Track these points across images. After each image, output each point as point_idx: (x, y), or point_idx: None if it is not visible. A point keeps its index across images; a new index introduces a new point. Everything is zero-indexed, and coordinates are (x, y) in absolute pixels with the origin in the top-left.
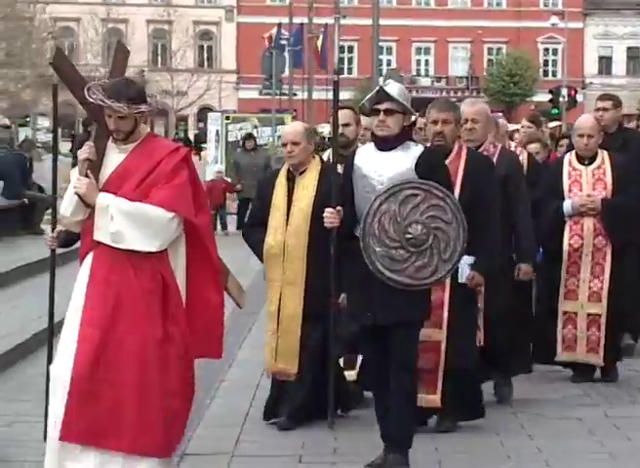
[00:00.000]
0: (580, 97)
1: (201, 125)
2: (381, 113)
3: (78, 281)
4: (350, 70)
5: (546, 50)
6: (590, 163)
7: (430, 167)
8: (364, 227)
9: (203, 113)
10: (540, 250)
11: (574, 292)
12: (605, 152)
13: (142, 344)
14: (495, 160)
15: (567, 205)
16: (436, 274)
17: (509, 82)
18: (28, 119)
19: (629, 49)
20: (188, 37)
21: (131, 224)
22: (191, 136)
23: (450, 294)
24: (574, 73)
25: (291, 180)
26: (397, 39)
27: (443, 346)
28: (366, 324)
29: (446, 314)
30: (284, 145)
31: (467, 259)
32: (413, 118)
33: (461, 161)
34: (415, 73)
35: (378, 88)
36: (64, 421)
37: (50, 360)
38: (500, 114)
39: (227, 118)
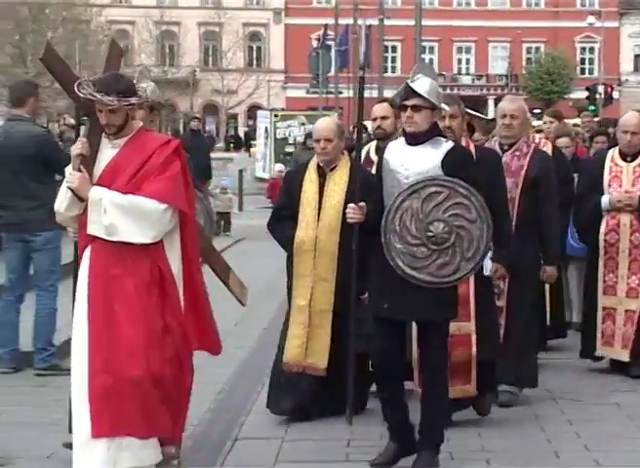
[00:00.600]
0: (615, 95)
1: (250, 122)
2: (409, 109)
3: (80, 276)
4: (394, 69)
5: (583, 48)
6: (633, 160)
7: (457, 163)
8: (385, 223)
9: (252, 111)
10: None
11: (612, 287)
12: None
13: (143, 337)
14: (527, 160)
15: (605, 199)
16: (458, 272)
17: (547, 80)
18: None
19: None
20: (238, 38)
21: (124, 217)
22: (241, 134)
23: (475, 287)
24: (610, 71)
25: (321, 177)
26: (439, 39)
27: (473, 338)
28: (382, 316)
29: (473, 307)
30: (317, 141)
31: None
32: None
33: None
34: (456, 72)
35: (405, 84)
36: (93, 419)
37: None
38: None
39: (276, 116)
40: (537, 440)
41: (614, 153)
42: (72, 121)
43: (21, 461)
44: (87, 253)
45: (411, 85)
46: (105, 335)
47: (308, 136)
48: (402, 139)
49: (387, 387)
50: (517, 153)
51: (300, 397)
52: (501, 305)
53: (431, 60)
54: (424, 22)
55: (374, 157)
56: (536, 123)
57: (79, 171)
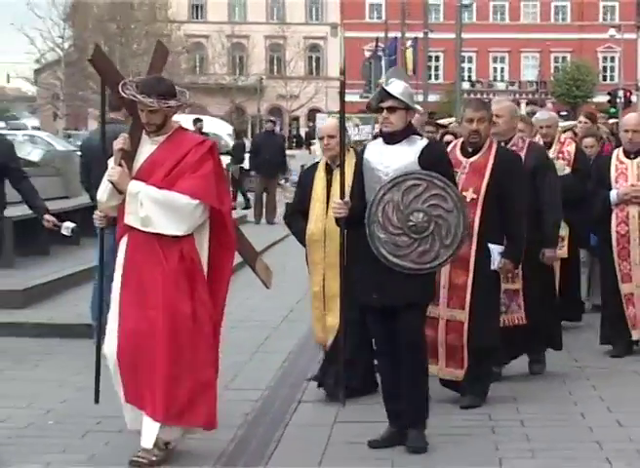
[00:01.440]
0: (634, 98)
1: (310, 124)
2: (385, 111)
3: (117, 262)
4: (437, 76)
5: (605, 58)
6: (636, 156)
7: (432, 159)
8: (369, 215)
9: (312, 114)
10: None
11: (627, 274)
12: None
13: (173, 321)
14: (524, 153)
15: (613, 194)
16: (438, 259)
17: (572, 86)
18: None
19: None
20: (299, 50)
21: (159, 210)
22: (302, 133)
23: (473, 279)
24: (629, 77)
25: (329, 173)
26: (476, 50)
27: (466, 326)
28: (373, 305)
29: (469, 297)
30: (320, 139)
31: (498, 248)
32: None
33: (491, 156)
34: (492, 78)
35: (380, 87)
36: (123, 389)
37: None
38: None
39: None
40: (565, 403)
41: (618, 152)
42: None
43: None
44: (124, 241)
45: (386, 88)
46: (134, 317)
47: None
48: (380, 139)
49: (389, 373)
50: (514, 148)
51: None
52: (517, 287)
53: (470, 69)
54: (464, 35)
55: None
56: (563, 124)
57: (120, 165)
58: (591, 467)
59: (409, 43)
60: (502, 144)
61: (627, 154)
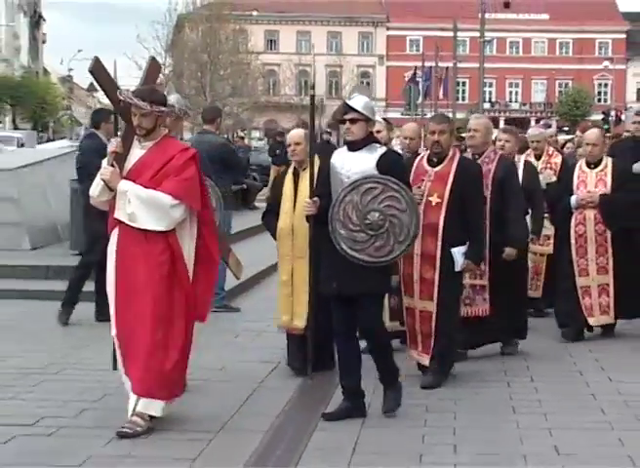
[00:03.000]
0: (623, 117)
1: None
2: (347, 122)
3: (109, 252)
4: (464, 98)
5: (599, 84)
6: (596, 167)
7: (389, 165)
8: (331, 214)
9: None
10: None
11: (585, 269)
12: (610, 159)
13: (154, 303)
14: (494, 164)
15: (573, 199)
16: (392, 253)
17: (573, 106)
18: (245, 131)
19: None
20: (353, 75)
21: (144, 208)
22: None
23: (440, 273)
24: (619, 100)
25: (296, 175)
26: (496, 77)
27: (434, 316)
28: (333, 293)
29: (436, 290)
30: (288, 146)
31: (460, 250)
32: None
33: (453, 165)
34: (508, 100)
35: (343, 102)
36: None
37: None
38: (567, 129)
39: (379, 132)
40: (566, 364)
41: (581, 162)
42: (242, 134)
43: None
44: (115, 233)
45: (348, 102)
46: (125, 299)
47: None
48: (345, 147)
49: (346, 354)
50: (486, 160)
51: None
52: (484, 284)
53: (490, 92)
54: (485, 65)
55: None
56: (565, 137)
57: (112, 166)
58: (588, 415)
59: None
60: (477, 156)
61: (588, 165)
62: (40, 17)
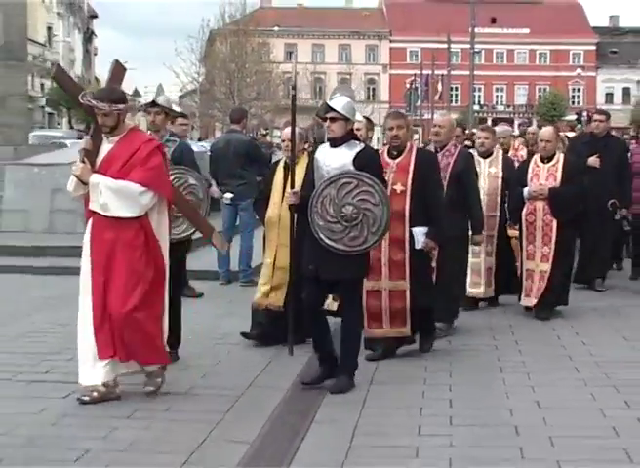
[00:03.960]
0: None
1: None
2: (328, 121)
3: (84, 240)
4: (456, 101)
5: (573, 89)
6: (549, 161)
7: (364, 161)
8: (311, 206)
9: (370, 124)
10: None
11: (532, 254)
12: (562, 155)
13: (130, 278)
14: (454, 158)
15: (525, 190)
16: (366, 243)
17: (551, 108)
18: (268, 130)
19: (624, 88)
20: (361, 82)
21: (114, 197)
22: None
23: (409, 256)
24: (590, 102)
25: (287, 169)
26: (484, 82)
27: (407, 293)
28: (312, 274)
29: (407, 270)
30: (282, 142)
31: (421, 230)
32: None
33: (412, 156)
34: (494, 103)
35: (324, 102)
36: (97, 345)
37: None
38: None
39: (383, 132)
40: (546, 330)
41: (536, 157)
42: (265, 132)
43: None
44: (90, 222)
45: (328, 103)
46: (102, 280)
47: (427, 143)
48: (327, 143)
49: (316, 326)
50: (447, 153)
51: (263, 329)
52: (434, 266)
53: (479, 96)
54: (475, 73)
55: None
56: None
57: (82, 162)
58: (565, 374)
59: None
60: (439, 149)
61: (542, 159)
62: (92, 33)
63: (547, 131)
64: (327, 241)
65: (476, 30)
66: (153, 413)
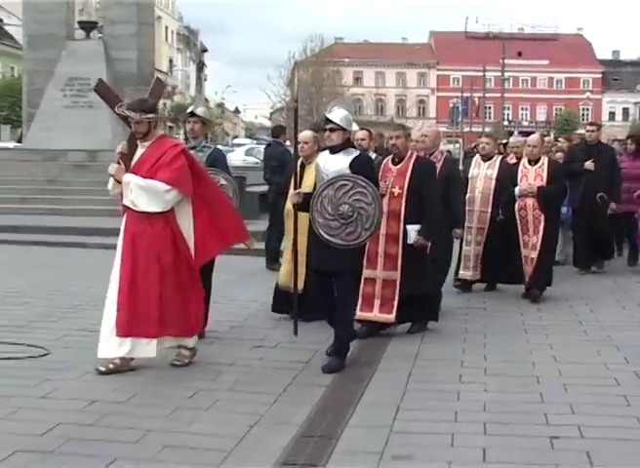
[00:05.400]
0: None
1: None
2: (327, 131)
3: (121, 229)
4: (489, 117)
5: (583, 108)
6: (535, 164)
7: (359, 165)
8: (312, 205)
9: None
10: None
11: (526, 243)
12: (546, 158)
13: (159, 267)
14: (440, 164)
15: (516, 190)
16: (360, 238)
17: (565, 124)
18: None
19: (624, 108)
20: (413, 102)
21: (143, 194)
22: None
23: (403, 250)
24: (596, 119)
25: (303, 168)
26: (512, 103)
27: (397, 283)
28: (315, 267)
29: (399, 262)
30: (299, 143)
31: (414, 227)
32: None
33: (410, 163)
34: (520, 119)
35: (323, 115)
36: (117, 324)
37: None
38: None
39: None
40: (563, 305)
41: (524, 160)
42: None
43: None
44: (124, 217)
45: (327, 115)
46: (129, 267)
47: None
48: (327, 150)
49: (325, 309)
50: (434, 159)
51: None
52: None
53: (508, 114)
54: (505, 95)
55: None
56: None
57: (118, 163)
58: (576, 335)
59: (476, 99)
60: (428, 155)
61: (530, 162)
62: (203, 64)
63: (534, 138)
64: (326, 236)
65: (506, 61)
66: (250, 361)
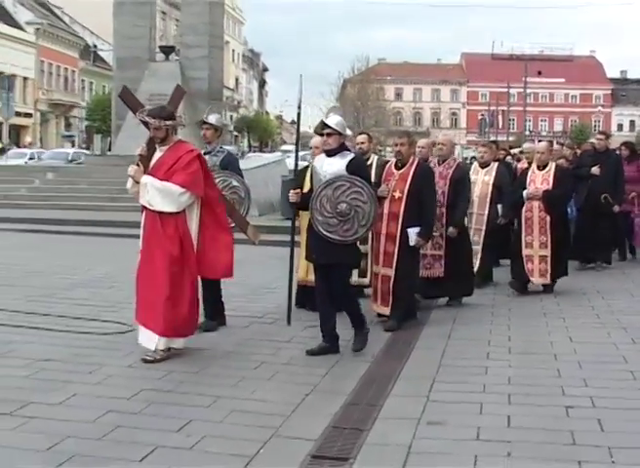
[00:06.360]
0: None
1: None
2: (325, 135)
3: (141, 226)
4: (513, 127)
5: (595, 121)
6: (543, 169)
7: (355, 167)
8: (311, 204)
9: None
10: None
11: (530, 243)
12: (554, 163)
13: (167, 262)
14: (453, 169)
15: (524, 193)
16: (356, 234)
17: (579, 134)
18: (381, 148)
19: (630, 121)
20: (447, 115)
21: (158, 195)
22: None
23: (399, 248)
24: (607, 130)
25: (312, 170)
26: (532, 116)
27: (392, 279)
28: (314, 262)
29: (395, 259)
30: (310, 148)
31: (415, 230)
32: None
33: (412, 169)
34: (540, 129)
35: (321, 120)
36: (136, 308)
37: None
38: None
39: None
40: (577, 293)
41: (534, 166)
42: (379, 148)
43: None
44: (143, 215)
45: (324, 120)
46: (147, 263)
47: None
48: (324, 153)
49: (323, 308)
50: (447, 165)
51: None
52: (441, 254)
53: (529, 124)
54: (527, 109)
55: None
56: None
57: (137, 165)
58: (590, 319)
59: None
60: (442, 161)
61: (538, 167)
62: (265, 81)
63: (542, 145)
64: (325, 232)
65: (527, 79)
66: (305, 339)
